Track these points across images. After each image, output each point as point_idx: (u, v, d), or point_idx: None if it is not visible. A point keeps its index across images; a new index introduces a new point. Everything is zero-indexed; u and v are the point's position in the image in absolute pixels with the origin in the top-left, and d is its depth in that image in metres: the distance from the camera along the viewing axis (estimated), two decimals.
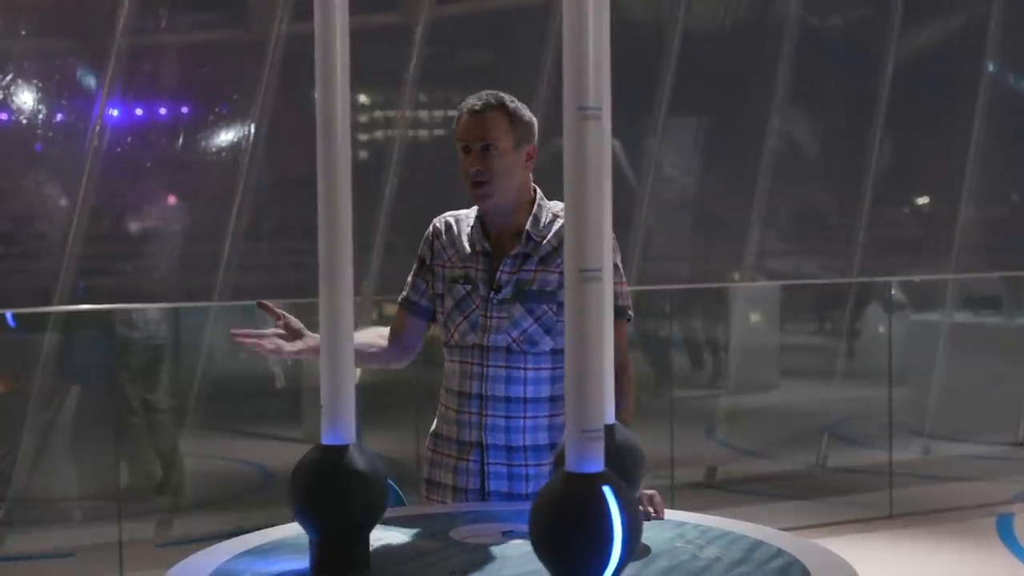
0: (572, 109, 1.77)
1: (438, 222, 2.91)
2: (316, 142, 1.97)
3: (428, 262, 2.88)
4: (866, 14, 8.64)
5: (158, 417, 6.51)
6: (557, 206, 2.83)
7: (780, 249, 8.52)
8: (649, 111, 7.61)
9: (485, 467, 2.78)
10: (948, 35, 9.03)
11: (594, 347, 1.77)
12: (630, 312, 2.80)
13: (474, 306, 2.79)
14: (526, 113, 2.81)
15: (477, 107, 2.75)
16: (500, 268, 2.78)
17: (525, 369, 2.76)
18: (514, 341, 2.75)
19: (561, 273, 2.71)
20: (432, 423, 2.93)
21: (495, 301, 2.77)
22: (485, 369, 2.76)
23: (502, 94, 2.79)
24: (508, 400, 2.76)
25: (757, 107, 8.01)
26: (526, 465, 2.78)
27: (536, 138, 2.83)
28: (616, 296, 2.55)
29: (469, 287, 2.80)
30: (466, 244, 2.84)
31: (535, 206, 2.82)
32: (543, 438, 2.78)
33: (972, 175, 8.48)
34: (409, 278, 2.93)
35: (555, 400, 2.79)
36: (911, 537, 6.41)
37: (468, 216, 2.88)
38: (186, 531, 6.14)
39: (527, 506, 1.81)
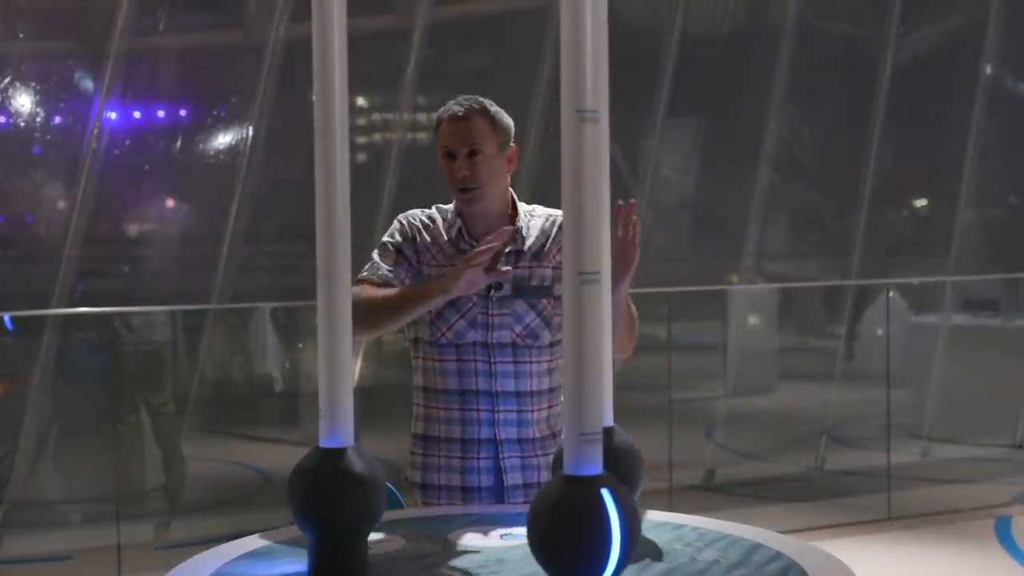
0: (570, 111, 1.77)
1: (413, 219, 2.89)
2: (314, 145, 1.97)
3: (411, 259, 2.84)
4: (864, 16, 8.64)
5: (156, 420, 6.50)
6: (527, 207, 2.91)
7: (779, 251, 8.52)
8: (647, 113, 7.61)
9: (501, 463, 2.81)
10: (946, 37, 9.03)
11: (592, 350, 1.77)
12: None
13: (471, 304, 2.79)
14: (506, 117, 2.87)
15: (460, 113, 2.80)
16: (497, 266, 2.77)
17: (531, 363, 2.82)
18: (518, 336, 2.80)
19: (555, 268, 2.82)
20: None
21: (495, 299, 2.80)
22: (493, 366, 2.80)
23: (481, 99, 2.83)
24: (518, 395, 2.82)
25: (755, 109, 8.01)
26: (535, 455, 2.85)
27: (512, 140, 2.88)
28: None
29: None
30: (448, 244, 2.85)
31: (515, 206, 2.88)
32: (546, 428, 2.87)
33: (970, 177, 8.48)
34: (378, 259, 2.85)
35: (553, 391, 2.88)
36: (909, 539, 6.41)
37: (440, 216, 2.90)
38: (185, 534, 6.14)
39: (526, 508, 1.81)
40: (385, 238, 2.89)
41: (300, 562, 2.05)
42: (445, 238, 2.86)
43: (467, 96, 2.84)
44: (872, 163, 8.20)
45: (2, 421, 6.43)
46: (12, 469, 6.22)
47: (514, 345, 2.80)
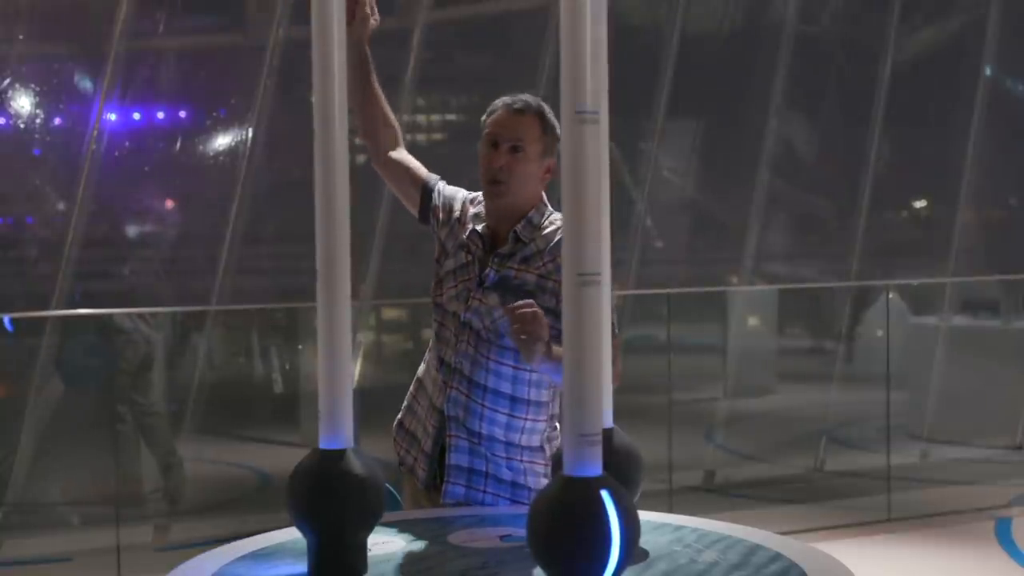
0: (570, 112, 1.77)
1: (470, 195, 2.96)
2: (314, 145, 1.97)
3: (456, 215, 2.93)
4: (864, 17, 8.64)
5: (156, 421, 6.50)
6: (555, 216, 2.87)
7: (778, 252, 8.52)
8: (647, 114, 7.61)
9: (448, 439, 2.82)
10: (946, 38, 9.03)
11: (592, 351, 1.77)
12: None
13: (468, 277, 2.84)
14: (558, 126, 2.82)
15: (518, 106, 2.81)
16: (491, 260, 2.83)
17: (488, 358, 2.81)
18: (484, 328, 2.80)
19: (540, 276, 2.79)
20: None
21: (475, 285, 2.83)
22: (459, 343, 2.82)
23: (543, 102, 2.84)
24: (471, 382, 2.81)
25: (755, 110, 8.01)
26: (481, 442, 2.83)
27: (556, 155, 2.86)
28: None
29: (470, 258, 2.85)
30: (472, 222, 2.90)
31: (533, 210, 2.85)
32: (499, 433, 2.82)
33: (970, 178, 8.48)
34: (439, 180, 3.02)
35: (515, 401, 2.83)
36: (909, 541, 6.41)
37: (478, 199, 2.95)
38: (184, 535, 6.14)
39: (524, 509, 1.81)
40: (459, 190, 3.00)
41: (300, 564, 2.04)
42: (467, 217, 2.92)
43: (529, 95, 2.85)
44: (872, 164, 8.19)
45: (2, 422, 6.43)
46: (12, 471, 6.21)
47: (479, 334, 2.80)
